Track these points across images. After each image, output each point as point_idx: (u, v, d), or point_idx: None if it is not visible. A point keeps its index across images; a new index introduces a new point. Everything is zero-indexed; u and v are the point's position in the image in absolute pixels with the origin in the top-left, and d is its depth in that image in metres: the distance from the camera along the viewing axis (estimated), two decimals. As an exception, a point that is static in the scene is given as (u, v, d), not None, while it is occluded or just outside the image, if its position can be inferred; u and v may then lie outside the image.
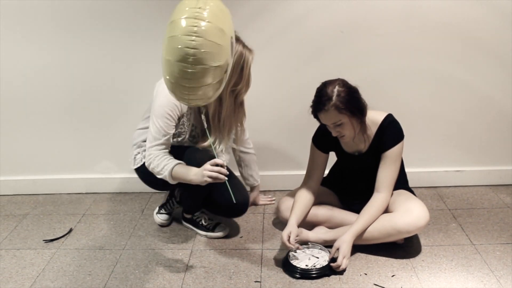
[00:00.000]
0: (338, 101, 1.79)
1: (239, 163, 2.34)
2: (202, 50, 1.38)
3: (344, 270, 1.85)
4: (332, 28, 2.28)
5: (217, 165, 1.74)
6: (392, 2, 2.23)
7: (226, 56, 1.46)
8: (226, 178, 1.75)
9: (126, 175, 2.64)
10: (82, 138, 2.57)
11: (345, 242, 1.85)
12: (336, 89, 1.80)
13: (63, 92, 2.48)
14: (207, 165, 1.74)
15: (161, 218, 2.27)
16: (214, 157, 1.79)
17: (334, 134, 1.89)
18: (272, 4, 2.26)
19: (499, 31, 2.27)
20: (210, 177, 1.73)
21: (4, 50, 2.40)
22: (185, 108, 1.91)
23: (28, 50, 2.39)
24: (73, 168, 2.65)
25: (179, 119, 1.93)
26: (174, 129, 1.93)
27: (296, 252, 1.94)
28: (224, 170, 1.73)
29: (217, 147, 1.96)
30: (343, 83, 1.84)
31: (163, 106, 1.86)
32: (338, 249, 1.85)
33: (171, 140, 1.94)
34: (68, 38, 2.36)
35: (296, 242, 1.96)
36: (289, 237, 1.88)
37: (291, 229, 1.91)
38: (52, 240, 2.20)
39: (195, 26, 1.37)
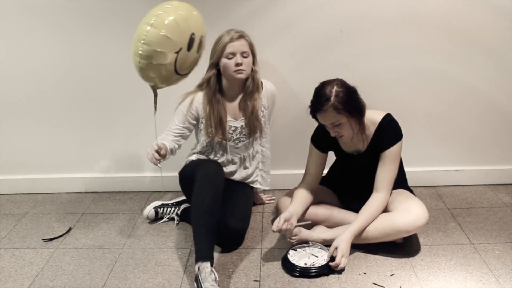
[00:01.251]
0: (337, 101, 1.79)
1: None
2: (145, 61, 1.72)
3: (343, 269, 1.85)
4: (331, 27, 2.28)
5: (155, 149, 1.89)
6: (391, 2, 2.23)
7: (171, 58, 1.74)
8: (157, 164, 1.89)
9: (125, 174, 2.64)
10: (81, 137, 2.57)
11: (343, 241, 1.85)
12: (335, 89, 1.80)
13: (62, 91, 2.47)
14: (151, 146, 1.90)
15: (150, 213, 2.31)
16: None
17: (332, 134, 1.89)
18: (271, 4, 2.25)
19: (499, 31, 2.27)
20: (148, 155, 1.90)
21: (3, 49, 2.39)
22: (200, 112, 2.11)
23: (28, 49, 2.39)
24: (72, 168, 2.65)
25: (197, 121, 2.14)
26: (185, 125, 2.11)
27: (296, 250, 1.95)
28: (156, 155, 1.87)
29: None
30: (342, 83, 1.83)
31: (180, 107, 2.11)
32: (336, 248, 1.85)
33: (181, 132, 2.11)
34: (67, 37, 2.36)
35: (295, 241, 1.97)
36: (286, 221, 1.88)
37: (283, 214, 1.91)
38: (51, 239, 2.20)
39: (144, 36, 1.68)
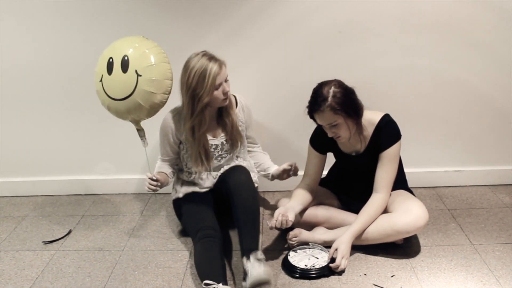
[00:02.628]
0: (334, 102, 1.79)
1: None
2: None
3: (343, 271, 1.85)
4: (330, 28, 2.29)
5: (150, 178, 1.98)
6: (390, 2, 2.23)
7: (98, 87, 1.99)
8: (152, 191, 1.99)
9: (125, 176, 2.64)
10: (81, 140, 2.57)
11: (343, 242, 1.85)
12: (332, 90, 1.80)
13: (62, 93, 2.47)
14: (146, 177, 1.99)
15: None
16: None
17: (329, 134, 1.89)
18: (270, 4, 2.26)
19: (498, 31, 2.27)
20: (146, 186, 1.99)
21: (3, 50, 2.39)
22: (181, 137, 2.11)
23: (28, 50, 2.39)
24: (72, 170, 2.65)
25: (180, 142, 2.14)
26: (172, 148, 2.14)
27: (296, 252, 1.95)
28: (153, 182, 1.97)
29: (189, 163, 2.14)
30: (339, 84, 1.84)
31: (161, 135, 2.15)
32: (337, 249, 1.85)
33: (171, 156, 2.17)
34: (68, 40, 2.36)
35: (295, 243, 1.97)
36: (282, 217, 1.86)
37: (278, 209, 1.90)
38: (51, 242, 2.20)
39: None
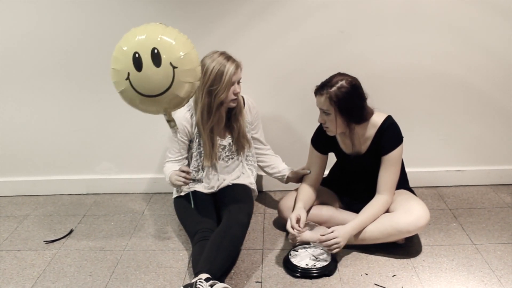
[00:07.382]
0: (334, 93, 1.81)
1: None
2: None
3: (334, 256, 1.85)
4: (331, 28, 2.28)
5: (185, 171, 1.97)
6: (392, 2, 2.23)
7: (125, 85, 1.77)
8: (188, 186, 2.02)
9: (127, 176, 2.65)
10: (82, 139, 2.57)
11: (343, 227, 1.86)
12: (342, 83, 1.83)
13: (64, 93, 2.47)
14: (178, 171, 1.99)
15: None
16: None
17: (319, 120, 1.93)
18: (272, 4, 2.26)
19: (499, 31, 2.27)
20: (179, 181, 1.96)
21: (4, 48, 2.40)
22: (192, 130, 2.12)
23: (29, 49, 2.39)
24: (73, 169, 2.65)
25: (190, 140, 2.15)
26: (184, 146, 2.15)
27: (297, 251, 1.95)
28: (189, 177, 1.96)
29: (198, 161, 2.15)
30: (351, 82, 1.85)
31: (171, 135, 2.05)
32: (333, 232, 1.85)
33: (183, 155, 2.17)
34: (71, 38, 2.36)
35: (297, 242, 1.97)
36: (298, 220, 1.90)
37: (300, 212, 1.93)
38: (52, 241, 2.20)
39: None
